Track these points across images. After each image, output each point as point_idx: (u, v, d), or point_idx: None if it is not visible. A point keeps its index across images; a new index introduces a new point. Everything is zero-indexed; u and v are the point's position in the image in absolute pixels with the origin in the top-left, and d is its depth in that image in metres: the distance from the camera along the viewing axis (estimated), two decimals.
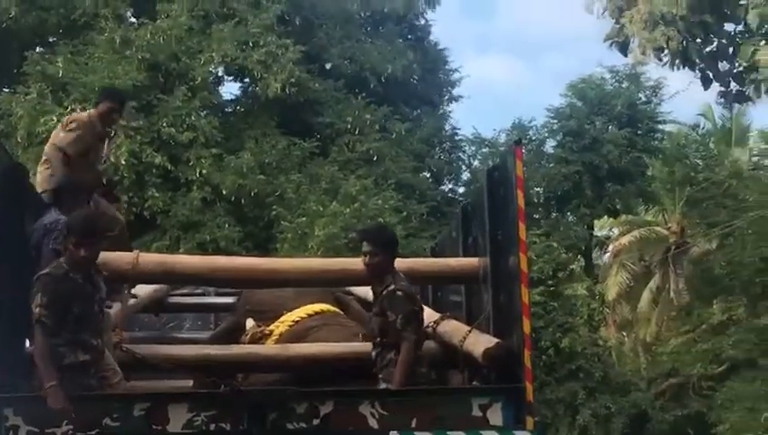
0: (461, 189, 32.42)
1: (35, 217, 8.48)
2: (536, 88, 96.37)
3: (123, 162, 24.46)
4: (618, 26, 25.68)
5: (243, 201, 26.07)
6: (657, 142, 32.53)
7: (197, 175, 25.74)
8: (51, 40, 28.82)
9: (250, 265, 9.17)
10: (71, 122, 10.12)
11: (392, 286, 7.83)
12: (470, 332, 8.21)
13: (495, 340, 7.84)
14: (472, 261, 8.99)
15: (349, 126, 28.51)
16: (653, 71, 31.59)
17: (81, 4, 27.62)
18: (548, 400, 25.41)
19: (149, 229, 25.28)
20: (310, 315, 9.45)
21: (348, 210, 24.60)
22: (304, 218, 25.04)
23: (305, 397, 7.45)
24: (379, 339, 7.90)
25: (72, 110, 22.03)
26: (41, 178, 9.42)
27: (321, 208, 25.08)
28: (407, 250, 21.54)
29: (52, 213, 8.50)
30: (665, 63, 25.89)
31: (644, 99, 31.85)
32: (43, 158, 9.82)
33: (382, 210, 24.97)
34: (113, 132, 11.42)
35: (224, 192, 25.73)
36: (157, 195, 25.24)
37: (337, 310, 9.79)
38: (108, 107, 10.26)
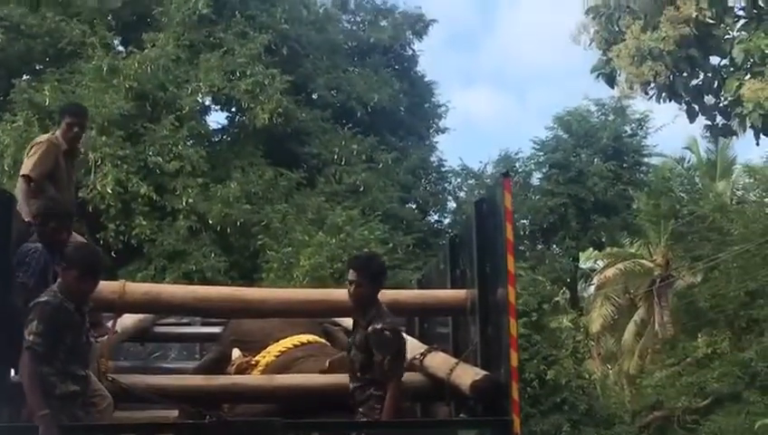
0: (447, 220, 32.48)
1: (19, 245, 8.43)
2: (522, 121, 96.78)
3: (110, 191, 24.44)
4: (604, 58, 25.68)
5: (229, 231, 26.04)
6: (642, 175, 32.66)
7: (184, 204, 25.72)
8: (38, 68, 28.75)
9: (236, 295, 9.11)
10: (32, 147, 10.05)
11: (379, 325, 7.65)
12: (457, 364, 8.18)
13: (483, 372, 7.80)
14: (459, 293, 8.96)
15: (335, 156, 28.54)
16: (639, 104, 31.74)
17: (68, 32, 27.63)
18: (532, 432, 25.38)
19: (136, 258, 25.23)
20: (296, 346, 9.39)
21: (334, 241, 24.59)
22: (290, 248, 25.02)
23: (291, 428, 7.41)
24: (359, 374, 7.83)
25: None
26: (18, 209, 9.37)
27: (307, 238, 25.07)
28: (392, 281, 21.45)
29: (28, 242, 8.41)
30: (651, 97, 25.87)
31: (630, 132, 32.02)
32: (17, 187, 9.78)
33: (368, 241, 24.94)
34: (80, 150, 11.32)
35: (210, 221, 25.72)
36: (143, 223, 25.19)
37: (324, 341, 9.75)
38: (68, 123, 10.16)
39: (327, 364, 8.61)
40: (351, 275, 7.89)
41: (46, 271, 8.01)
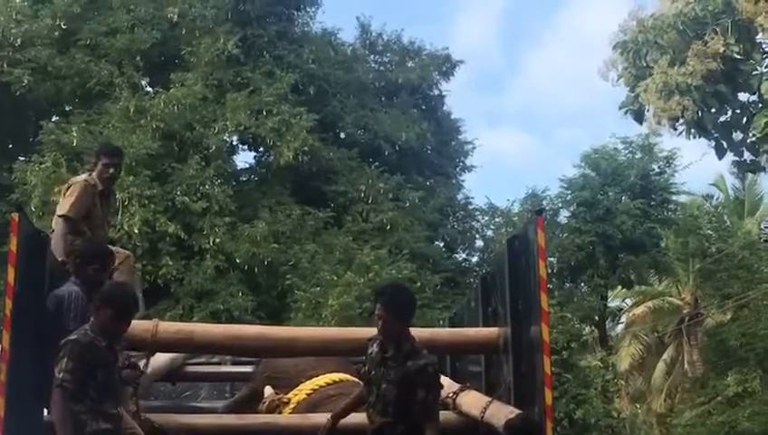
0: (475, 259, 32.33)
1: (53, 285, 8.44)
2: (548, 160, 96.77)
3: (137, 231, 24.48)
4: (632, 95, 25.66)
5: (256, 270, 26.00)
6: (670, 213, 32.45)
7: (211, 243, 25.73)
8: (66, 109, 28.89)
9: (268, 334, 9.11)
10: (69, 187, 10.09)
11: (422, 361, 7.53)
12: (491, 402, 8.11)
13: (517, 410, 7.73)
14: (492, 331, 8.91)
15: (362, 194, 28.52)
16: (667, 141, 31.68)
17: (96, 73, 27.81)
18: None
19: (164, 297, 25.21)
20: (328, 384, 9.36)
21: (362, 280, 24.50)
22: (318, 288, 24.94)
23: None
24: (391, 409, 7.69)
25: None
26: (53, 248, 9.38)
27: (336, 278, 24.99)
28: (421, 321, 21.43)
29: (68, 284, 8.40)
30: (680, 133, 25.84)
31: (657, 169, 31.84)
32: (52, 228, 9.80)
33: (396, 280, 24.84)
34: (116, 191, 11.40)
35: (237, 261, 25.70)
36: (170, 263, 25.19)
37: (355, 379, 9.70)
38: (104, 163, 10.26)
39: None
40: (377, 308, 7.73)
41: (86, 314, 8.02)
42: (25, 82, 26.78)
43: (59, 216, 9.78)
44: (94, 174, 10.16)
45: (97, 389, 7.20)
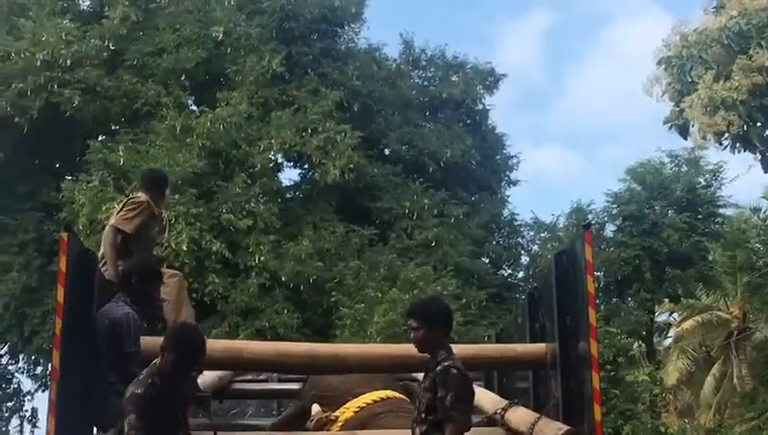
0: (521, 274, 32.19)
1: (102, 304, 8.48)
2: (592, 178, 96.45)
3: (184, 248, 24.59)
4: (677, 110, 25.55)
5: (302, 287, 26.04)
6: (717, 226, 32.20)
7: (256, 261, 25.80)
8: (113, 128, 29.11)
9: (317, 351, 9.13)
10: (130, 202, 10.17)
11: (447, 363, 7.45)
12: (539, 418, 8.08)
13: (566, 427, 7.70)
14: (539, 347, 8.89)
15: (407, 211, 28.50)
16: (712, 154, 31.43)
17: (143, 93, 28.03)
18: None
19: (209, 315, 25.30)
20: (375, 401, 9.37)
21: (407, 296, 24.45)
22: (363, 305, 24.95)
23: None
24: (424, 416, 7.66)
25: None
26: (105, 256, 9.47)
27: (381, 295, 24.99)
28: (465, 338, 21.42)
29: (120, 305, 8.40)
30: (725, 147, 25.70)
31: (704, 183, 31.64)
32: (102, 247, 9.85)
33: (441, 296, 24.79)
34: (163, 217, 11.57)
35: (282, 278, 25.74)
36: (216, 281, 25.29)
37: (403, 396, 9.70)
38: (163, 190, 10.58)
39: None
40: (411, 322, 7.75)
41: (140, 335, 8.09)
42: (75, 102, 27.01)
43: (115, 227, 9.82)
44: (151, 197, 10.28)
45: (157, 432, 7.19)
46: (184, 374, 7.32)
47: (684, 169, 31.78)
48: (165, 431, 7.17)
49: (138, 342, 8.04)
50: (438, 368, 7.46)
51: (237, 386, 11.11)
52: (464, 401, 7.39)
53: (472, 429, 7.45)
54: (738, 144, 25.72)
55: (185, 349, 7.19)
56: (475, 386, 8.11)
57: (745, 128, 24.76)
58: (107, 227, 10.05)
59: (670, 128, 26.49)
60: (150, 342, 8.01)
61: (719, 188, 31.84)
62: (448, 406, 7.28)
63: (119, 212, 10.08)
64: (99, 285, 8.64)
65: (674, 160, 31.91)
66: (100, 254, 9.72)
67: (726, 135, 25.14)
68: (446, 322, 7.77)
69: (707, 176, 31.75)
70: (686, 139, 27.07)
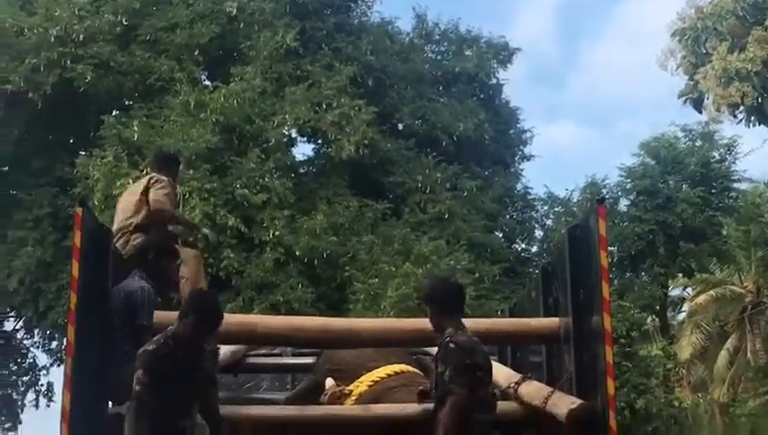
0: (534, 249, 32.15)
1: (117, 280, 8.52)
2: (606, 152, 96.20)
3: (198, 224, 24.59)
4: (691, 83, 25.48)
5: (316, 262, 26.03)
6: (731, 201, 32.07)
7: (271, 236, 25.79)
8: (127, 104, 29.10)
9: (331, 326, 9.16)
10: (160, 181, 10.25)
11: (448, 338, 7.62)
12: (553, 392, 8.11)
13: (579, 401, 7.73)
14: (553, 321, 8.92)
15: (419, 185, 28.48)
16: (727, 128, 31.30)
17: (156, 69, 27.99)
18: None
19: (224, 290, 25.33)
20: (389, 376, 9.41)
21: (420, 271, 24.49)
22: (377, 279, 24.94)
23: None
24: (434, 391, 7.75)
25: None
26: (133, 241, 9.52)
27: (394, 269, 24.98)
28: (478, 312, 21.42)
29: (136, 279, 8.46)
30: (740, 121, 25.63)
31: (718, 157, 31.50)
32: (133, 220, 9.88)
33: (454, 271, 24.79)
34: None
35: (297, 253, 25.73)
36: (231, 256, 25.29)
37: (416, 370, 9.73)
38: (177, 169, 10.92)
39: (418, 392, 8.56)
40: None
41: (153, 309, 8.15)
42: (88, 77, 26.99)
43: (162, 208, 9.99)
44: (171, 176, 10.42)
45: (170, 399, 7.22)
46: (202, 337, 7.39)
47: (698, 143, 31.66)
48: (175, 393, 7.23)
49: (151, 315, 8.10)
50: (440, 344, 7.58)
51: (252, 360, 11.17)
52: (463, 372, 7.46)
53: None
54: (753, 117, 25.66)
55: (203, 311, 7.34)
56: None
57: (759, 100, 24.71)
58: (133, 204, 10.11)
59: (685, 102, 26.45)
60: (164, 316, 8.07)
61: (733, 163, 31.72)
62: (447, 380, 7.41)
63: (156, 188, 10.20)
64: (113, 260, 8.69)
65: (688, 135, 31.80)
66: (115, 228, 9.78)
67: (741, 107, 25.09)
68: (446, 299, 7.90)
69: (722, 150, 31.62)
70: (700, 112, 27.04)
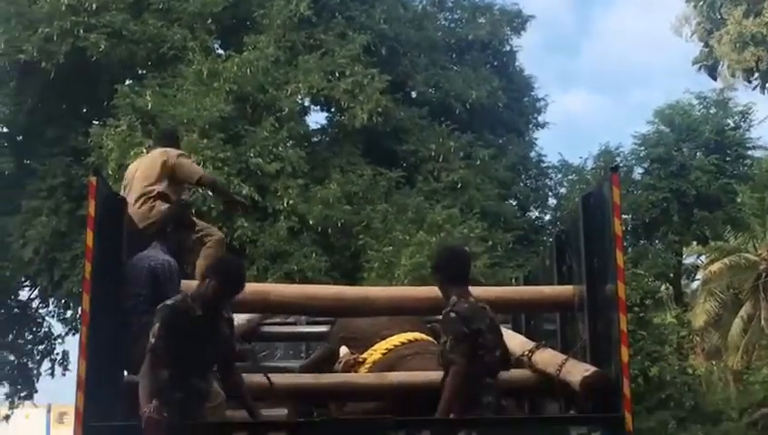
0: (548, 217, 32.14)
1: (133, 248, 8.53)
2: (620, 120, 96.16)
3: (211, 193, 24.60)
4: (706, 49, 25.36)
5: (329, 231, 26.04)
6: (746, 169, 32.01)
7: (285, 205, 25.79)
8: (140, 73, 29.08)
9: (345, 294, 9.19)
10: (181, 154, 10.33)
11: (449, 308, 7.66)
12: (567, 360, 8.13)
13: (593, 368, 7.74)
14: (567, 289, 8.91)
15: (433, 153, 28.42)
16: (741, 96, 31.25)
17: (169, 37, 27.92)
18: (638, 429, 24.95)
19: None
20: (403, 344, 9.43)
21: (434, 239, 24.48)
22: (391, 248, 24.94)
23: (404, 426, 7.41)
24: (440, 361, 7.74)
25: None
26: (159, 207, 9.54)
27: (408, 238, 24.98)
28: (492, 280, 21.43)
29: (156, 250, 8.49)
30: (755, 87, 25.51)
31: (732, 124, 31.43)
32: (156, 188, 9.88)
33: (468, 239, 24.78)
34: None
35: (311, 222, 25.74)
36: (245, 225, 25.30)
37: (430, 338, 9.75)
38: (179, 143, 11.08)
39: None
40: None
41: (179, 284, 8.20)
42: (101, 47, 26.95)
43: (196, 178, 10.34)
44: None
45: (186, 358, 7.25)
46: (224, 299, 7.42)
47: (712, 110, 31.58)
48: (191, 353, 7.26)
49: (179, 289, 8.11)
50: (443, 314, 7.62)
51: (266, 329, 11.20)
52: (462, 341, 7.49)
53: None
54: (767, 83, 25.52)
55: (227, 275, 7.41)
56: (502, 328, 8.20)
57: None
58: (160, 172, 10.11)
59: (699, 69, 26.33)
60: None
61: (748, 130, 31.66)
62: (448, 350, 7.45)
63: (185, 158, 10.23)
64: (128, 227, 8.73)
65: (702, 102, 31.72)
66: (135, 195, 9.78)
67: (756, 73, 24.95)
68: (451, 267, 7.97)
69: (736, 117, 31.55)
70: (715, 79, 26.91)
